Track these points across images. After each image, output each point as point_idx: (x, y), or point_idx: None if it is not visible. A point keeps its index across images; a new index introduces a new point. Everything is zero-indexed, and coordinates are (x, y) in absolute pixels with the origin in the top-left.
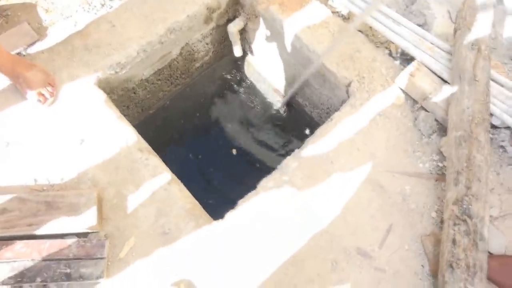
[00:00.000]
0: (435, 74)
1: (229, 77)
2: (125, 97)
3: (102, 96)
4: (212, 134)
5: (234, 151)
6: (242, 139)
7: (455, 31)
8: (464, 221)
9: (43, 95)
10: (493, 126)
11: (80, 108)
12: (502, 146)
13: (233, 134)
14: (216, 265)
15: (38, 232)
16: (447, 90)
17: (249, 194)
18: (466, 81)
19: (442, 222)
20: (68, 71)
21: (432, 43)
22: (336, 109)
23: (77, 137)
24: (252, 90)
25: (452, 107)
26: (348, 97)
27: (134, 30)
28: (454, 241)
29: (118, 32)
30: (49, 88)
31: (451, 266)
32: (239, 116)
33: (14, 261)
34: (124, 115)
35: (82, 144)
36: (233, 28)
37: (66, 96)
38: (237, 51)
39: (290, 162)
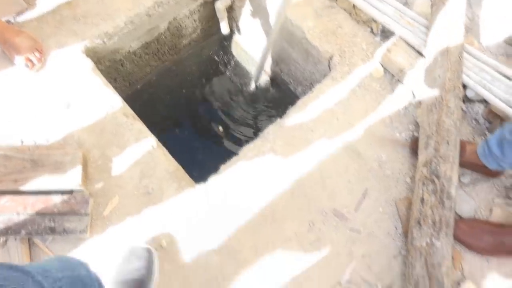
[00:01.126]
0: (414, 49)
1: (216, 56)
2: (112, 69)
3: (89, 63)
4: (198, 112)
5: (220, 129)
6: (228, 116)
7: (432, 6)
8: (432, 181)
9: (30, 60)
10: (468, 100)
11: (68, 75)
12: (475, 119)
13: (219, 112)
14: (198, 223)
15: (24, 188)
16: (421, 63)
17: (232, 160)
18: (439, 51)
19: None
20: (56, 39)
21: (412, 19)
22: (318, 83)
23: (63, 102)
24: (240, 69)
25: (426, 77)
26: (330, 70)
27: (122, 2)
28: (422, 200)
29: (106, 3)
30: (37, 54)
31: (418, 223)
32: (225, 95)
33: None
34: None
35: (68, 108)
36: (220, 5)
37: (54, 63)
38: (224, 28)
39: (271, 131)
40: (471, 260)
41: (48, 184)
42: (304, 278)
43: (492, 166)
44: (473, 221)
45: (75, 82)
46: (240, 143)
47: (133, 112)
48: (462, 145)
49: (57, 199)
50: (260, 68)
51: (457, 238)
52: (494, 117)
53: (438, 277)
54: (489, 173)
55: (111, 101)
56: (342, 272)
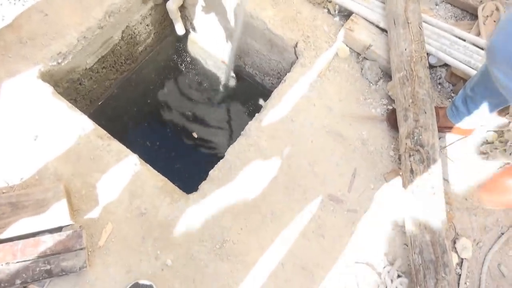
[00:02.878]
0: (373, 24)
1: (174, 57)
2: (71, 90)
3: (48, 88)
4: (167, 120)
5: (195, 134)
6: (198, 118)
7: None
8: (417, 151)
9: None
10: (431, 66)
11: (27, 104)
12: (440, 83)
13: (187, 115)
14: (198, 232)
15: (7, 235)
16: (385, 38)
17: (219, 164)
18: (400, 25)
19: (399, 158)
20: (5, 67)
21: None
22: (287, 72)
23: (29, 134)
24: (199, 67)
25: (392, 51)
26: (297, 57)
27: (70, 17)
28: (411, 171)
29: (52, 21)
30: None
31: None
32: (190, 96)
33: None
34: None
35: (36, 140)
36: (172, 6)
37: (9, 93)
38: (179, 29)
39: (252, 127)
40: (460, 218)
41: (34, 225)
42: (313, 266)
43: (463, 124)
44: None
45: (37, 110)
46: (217, 145)
47: (107, 132)
48: (436, 112)
49: (47, 239)
50: (229, 68)
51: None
52: (457, 79)
53: (440, 241)
54: (463, 132)
55: (81, 124)
56: (348, 253)
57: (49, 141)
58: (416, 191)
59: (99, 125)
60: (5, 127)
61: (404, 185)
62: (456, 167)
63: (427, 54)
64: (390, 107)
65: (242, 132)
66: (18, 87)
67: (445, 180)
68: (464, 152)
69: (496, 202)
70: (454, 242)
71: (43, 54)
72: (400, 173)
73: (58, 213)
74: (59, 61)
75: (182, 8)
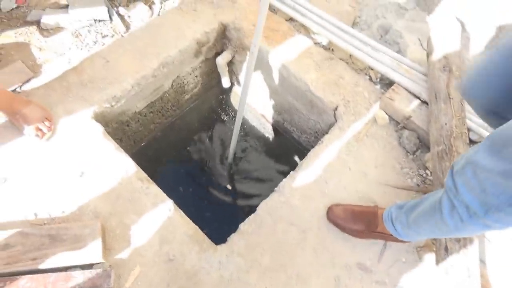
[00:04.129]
0: (414, 95)
1: (217, 107)
2: (118, 130)
3: (99, 128)
4: (202, 167)
5: (228, 186)
6: (233, 170)
7: (428, 55)
8: None
9: (40, 129)
10: (472, 141)
11: (79, 141)
12: None
13: (222, 166)
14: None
15: (43, 266)
16: (425, 110)
17: (250, 217)
18: (442, 99)
19: None
20: (64, 106)
21: (409, 66)
22: (324, 133)
23: (77, 170)
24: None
25: (431, 124)
26: (336, 120)
27: (128, 65)
28: (446, 249)
29: (112, 67)
30: (47, 123)
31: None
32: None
33: None
34: None
35: (82, 176)
36: (221, 61)
37: (63, 130)
38: (225, 83)
39: (286, 184)
40: None
41: (68, 259)
42: None
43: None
44: (343, 205)
45: (87, 148)
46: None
47: (147, 175)
48: None
49: (78, 275)
50: (233, 150)
51: (331, 220)
52: None
53: None
54: None
55: (125, 166)
56: None
57: (94, 178)
58: (450, 271)
59: (139, 165)
60: (56, 161)
61: (437, 263)
62: (494, 248)
63: (468, 129)
64: (427, 178)
65: (275, 189)
66: (73, 125)
67: (482, 261)
68: (503, 232)
69: None
70: None
71: (100, 97)
72: (434, 249)
73: (92, 251)
74: (113, 104)
75: (230, 63)
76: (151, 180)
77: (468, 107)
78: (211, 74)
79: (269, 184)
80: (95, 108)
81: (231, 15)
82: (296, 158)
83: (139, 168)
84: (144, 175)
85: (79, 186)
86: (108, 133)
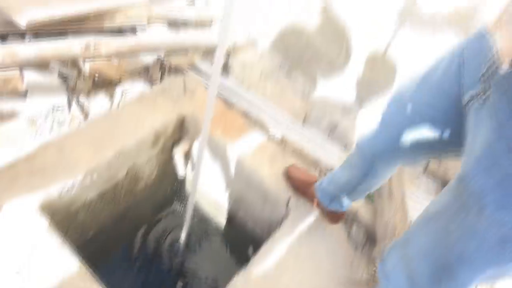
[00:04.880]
0: None
1: (172, 196)
2: (65, 221)
3: (44, 221)
4: (153, 257)
5: (180, 284)
6: (186, 260)
7: None
8: None
9: None
10: None
11: (20, 234)
12: None
13: (175, 256)
14: None
15: None
16: (372, 205)
17: None
18: (385, 197)
19: None
20: (10, 195)
21: None
22: (278, 224)
23: (13, 266)
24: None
25: (377, 220)
26: (288, 213)
27: (82, 154)
28: None
29: (65, 156)
30: None
31: None
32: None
33: None
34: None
35: (18, 273)
36: (179, 151)
37: (5, 221)
38: (182, 172)
39: (238, 282)
40: None
41: None
42: None
43: None
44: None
45: (28, 243)
46: None
47: (91, 273)
48: None
49: None
50: (183, 243)
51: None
52: None
53: None
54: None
55: (68, 264)
56: None
57: (31, 277)
58: None
59: (85, 257)
60: None
61: None
62: None
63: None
64: (376, 274)
65: (227, 286)
66: (17, 216)
67: None
68: None
69: None
70: None
71: (49, 186)
72: None
73: None
74: (62, 194)
75: (187, 153)
76: (93, 280)
77: (409, 202)
78: (168, 163)
79: (222, 281)
80: (43, 198)
81: (189, 107)
82: (250, 250)
83: (83, 265)
84: (88, 275)
85: (13, 284)
86: (54, 224)
